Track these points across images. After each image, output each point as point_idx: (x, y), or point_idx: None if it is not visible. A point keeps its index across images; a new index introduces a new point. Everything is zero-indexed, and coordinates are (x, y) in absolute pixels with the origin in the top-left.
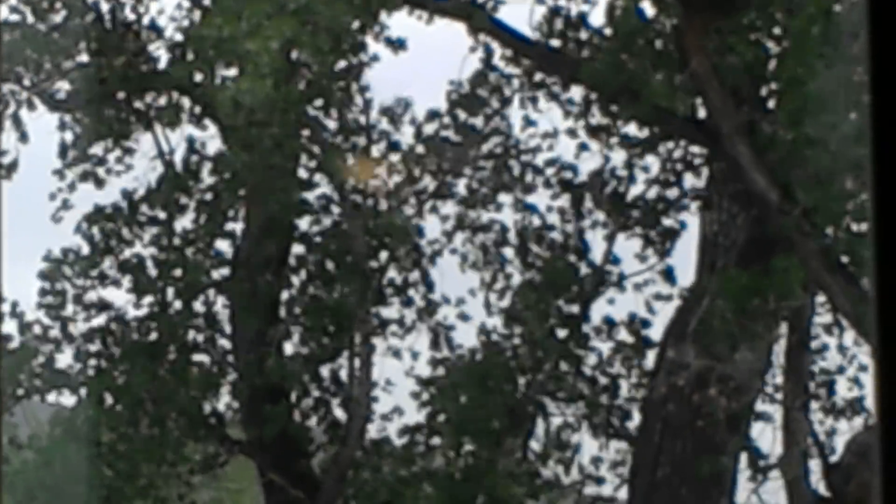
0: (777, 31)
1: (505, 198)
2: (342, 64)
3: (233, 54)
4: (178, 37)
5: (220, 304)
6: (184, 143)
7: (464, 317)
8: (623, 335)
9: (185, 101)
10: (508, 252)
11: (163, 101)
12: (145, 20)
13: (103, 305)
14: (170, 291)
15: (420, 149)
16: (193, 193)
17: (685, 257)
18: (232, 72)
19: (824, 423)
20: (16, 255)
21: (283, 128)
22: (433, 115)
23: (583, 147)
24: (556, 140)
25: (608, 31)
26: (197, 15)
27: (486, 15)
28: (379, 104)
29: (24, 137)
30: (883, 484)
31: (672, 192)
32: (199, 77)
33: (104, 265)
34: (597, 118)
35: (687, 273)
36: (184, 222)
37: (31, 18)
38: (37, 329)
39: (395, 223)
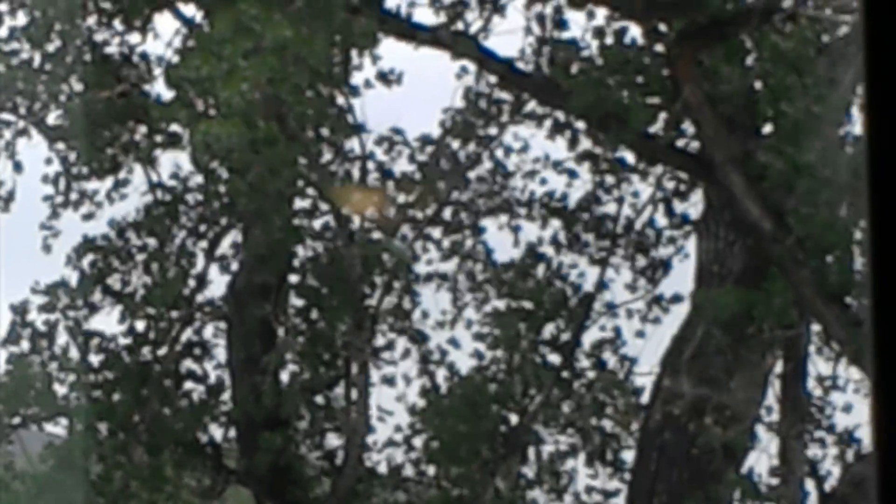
0: (771, 56)
1: (495, 223)
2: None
3: (210, 94)
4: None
5: (212, 332)
6: (176, 170)
7: (454, 343)
8: (607, 360)
9: (177, 133)
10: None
11: (153, 135)
12: (142, 49)
13: (95, 335)
14: (162, 319)
15: (415, 175)
16: (184, 222)
17: (682, 285)
18: (211, 112)
19: (820, 452)
20: (8, 283)
21: (272, 165)
22: (426, 141)
23: (571, 174)
24: (545, 164)
25: (599, 60)
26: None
27: (473, 44)
28: (374, 132)
29: (18, 168)
30: None
31: (663, 220)
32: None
33: (95, 295)
34: (587, 145)
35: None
36: (174, 249)
37: (26, 47)
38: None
39: (393, 249)
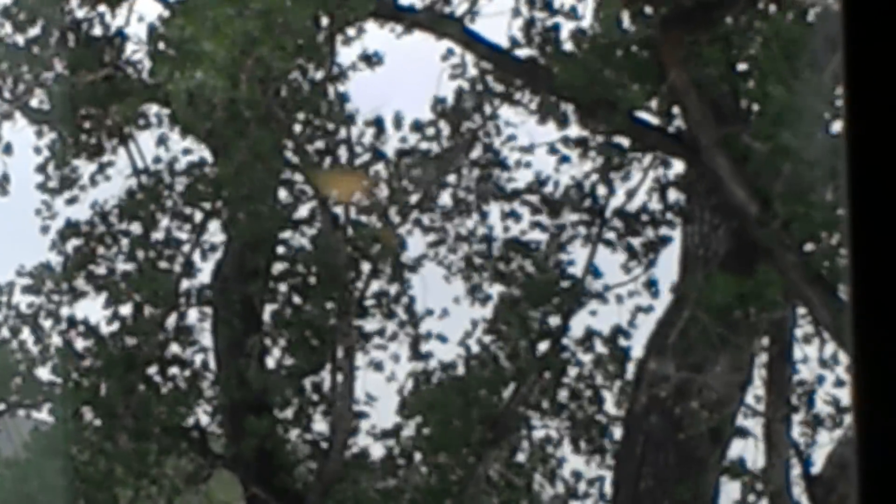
0: (756, 40)
1: (488, 208)
2: (318, 73)
3: (193, 54)
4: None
5: (197, 318)
6: (161, 154)
7: (441, 338)
8: (602, 347)
9: (159, 112)
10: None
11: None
12: (125, 31)
13: (79, 321)
14: (147, 304)
15: (404, 160)
16: (168, 206)
17: (668, 269)
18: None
19: (805, 435)
20: None
21: (257, 128)
22: (418, 126)
23: (563, 159)
24: (533, 151)
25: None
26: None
27: (460, 26)
28: (361, 115)
29: (7, 150)
30: (861, 496)
31: (656, 205)
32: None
33: (78, 280)
34: (576, 130)
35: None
36: (159, 234)
37: (9, 30)
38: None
39: (380, 233)
